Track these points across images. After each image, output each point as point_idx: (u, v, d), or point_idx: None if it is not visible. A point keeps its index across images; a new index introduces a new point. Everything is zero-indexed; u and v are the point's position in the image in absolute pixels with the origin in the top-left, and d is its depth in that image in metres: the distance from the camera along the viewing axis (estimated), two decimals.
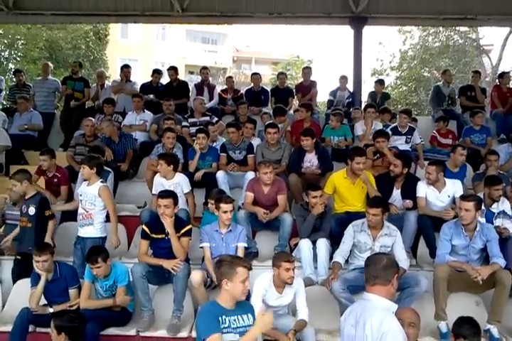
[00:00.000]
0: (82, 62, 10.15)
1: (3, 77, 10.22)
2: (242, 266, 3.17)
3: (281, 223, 5.42)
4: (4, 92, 9.85)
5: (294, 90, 9.66)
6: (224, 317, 3.11)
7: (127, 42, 28.88)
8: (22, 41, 19.77)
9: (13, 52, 20.29)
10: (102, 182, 5.25)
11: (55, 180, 6.26)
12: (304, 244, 5.12)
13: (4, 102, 10.53)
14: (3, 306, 5.02)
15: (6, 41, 19.55)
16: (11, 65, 19.77)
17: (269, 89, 9.75)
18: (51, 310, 4.46)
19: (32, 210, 5.17)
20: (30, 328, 4.42)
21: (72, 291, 4.61)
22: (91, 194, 5.11)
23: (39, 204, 5.18)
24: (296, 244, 5.38)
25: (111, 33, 23.01)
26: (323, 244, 5.09)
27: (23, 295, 4.67)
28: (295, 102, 9.94)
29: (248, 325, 3.20)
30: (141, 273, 4.52)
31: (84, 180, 5.35)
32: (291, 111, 8.93)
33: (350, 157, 5.62)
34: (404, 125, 7.38)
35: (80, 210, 5.18)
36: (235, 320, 3.16)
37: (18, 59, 20.13)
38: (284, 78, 9.81)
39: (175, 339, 4.45)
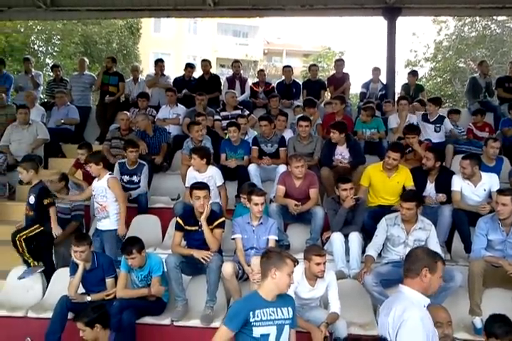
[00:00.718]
0: (115, 57, 10.29)
1: (41, 72, 10.48)
2: (290, 259, 3.22)
3: (312, 216, 5.42)
4: (42, 87, 10.12)
5: (326, 83, 9.58)
6: (258, 311, 3.12)
7: (160, 36, 29.21)
8: (58, 37, 20.21)
9: (49, 48, 20.78)
10: (110, 174, 5.38)
11: None
12: (336, 237, 5.11)
13: (42, 96, 10.81)
14: (44, 294, 5.20)
15: (43, 37, 20.03)
16: (47, 60, 20.26)
17: (300, 82, 9.70)
18: (89, 298, 4.61)
19: (32, 199, 5.34)
20: (69, 315, 4.55)
21: (108, 281, 4.74)
22: (101, 187, 5.27)
23: (38, 193, 5.32)
24: (327, 238, 5.37)
25: (144, 27, 23.30)
26: (355, 237, 5.08)
27: (63, 283, 4.84)
28: (327, 95, 9.87)
29: (287, 318, 3.22)
30: (174, 263, 4.60)
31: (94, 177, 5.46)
32: (322, 105, 8.86)
33: (386, 151, 5.64)
34: (432, 113, 7.37)
35: (95, 204, 5.36)
36: (273, 312, 3.16)
37: (55, 54, 20.58)
38: (316, 70, 9.75)
39: (208, 329, 4.51)
